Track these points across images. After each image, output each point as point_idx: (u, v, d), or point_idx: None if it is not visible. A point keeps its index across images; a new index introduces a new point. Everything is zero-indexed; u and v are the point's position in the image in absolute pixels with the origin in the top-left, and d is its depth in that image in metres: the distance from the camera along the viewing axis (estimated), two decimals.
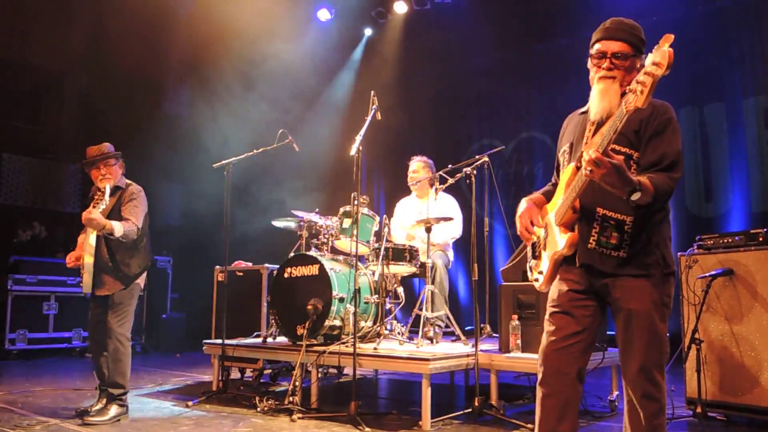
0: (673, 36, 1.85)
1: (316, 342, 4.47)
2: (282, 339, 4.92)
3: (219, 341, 4.89)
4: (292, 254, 4.91)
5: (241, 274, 5.75)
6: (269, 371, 5.54)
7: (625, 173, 1.94)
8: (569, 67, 7.25)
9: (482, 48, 8.47)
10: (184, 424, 3.79)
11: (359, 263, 4.51)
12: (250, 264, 5.88)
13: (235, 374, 5.64)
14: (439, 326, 4.89)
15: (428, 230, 4.71)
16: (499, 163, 8.34)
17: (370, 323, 4.66)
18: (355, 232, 4.45)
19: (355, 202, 4.48)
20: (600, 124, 2.19)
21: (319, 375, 4.31)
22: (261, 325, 5.48)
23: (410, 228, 5.40)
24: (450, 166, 4.81)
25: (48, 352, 7.59)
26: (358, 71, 9.54)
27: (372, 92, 4.29)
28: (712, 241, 3.90)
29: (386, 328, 4.66)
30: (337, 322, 4.46)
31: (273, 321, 4.90)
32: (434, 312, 4.63)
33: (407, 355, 3.89)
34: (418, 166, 5.59)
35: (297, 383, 4.16)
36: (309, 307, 4.40)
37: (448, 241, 5.46)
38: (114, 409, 3.85)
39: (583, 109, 2.36)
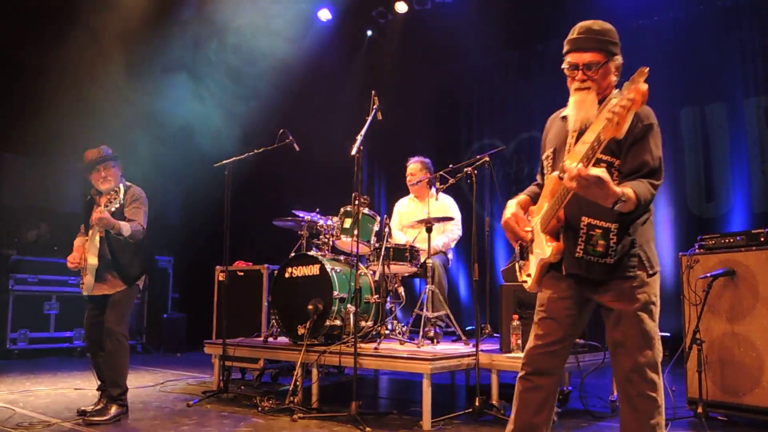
0: (648, 69, 1.84)
1: (316, 342, 4.47)
2: (283, 339, 4.92)
3: (220, 341, 4.89)
4: (292, 254, 4.91)
5: (242, 274, 5.75)
6: (270, 371, 5.55)
7: (609, 186, 1.95)
8: None
9: (483, 48, 8.46)
10: (184, 424, 3.80)
11: (360, 263, 4.51)
12: (250, 264, 5.88)
13: (235, 374, 5.64)
14: (440, 326, 4.89)
15: (429, 230, 4.71)
16: (500, 162, 8.34)
17: (370, 323, 4.66)
18: (355, 232, 4.45)
19: (356, 202, 4.47)
20: (581, 132, 2.21)
21: (320, 375, 4.31)
22: (262, 324, 5.48)
23: (409, 228, 5.39)
24: (451, 165, 4.81)
25: (49, 351, 7.60)
26: (359, 71, 9.53)
27: (373, 92, 4.29)
28: (713, 241, 3.90)
29: (387, 328, 4.66)
30: (338, 322, 4.46)
31: (274, 321, 4.90)
32: (435, 312, 4.63)
33: (408, 354, 3.89)
34: (414, 168, 5.59)
35: (298, 383, 4.17)
36: (310, 307, 4.40)
37: (450, 244, 5.45)
38: (114, 409, 3.85)
39: (564, 113, 2.37)
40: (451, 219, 5.18)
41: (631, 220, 2.16)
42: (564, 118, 2.36)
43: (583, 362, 3.95)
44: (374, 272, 4.76)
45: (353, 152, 3.99)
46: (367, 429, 3.51)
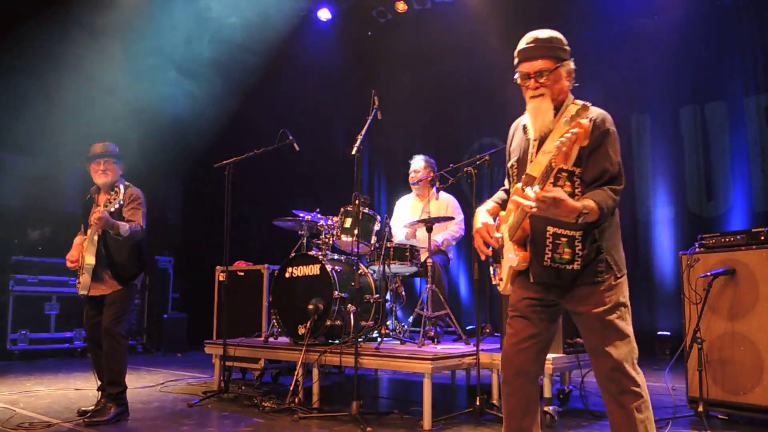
0: (588, 112, 1.97)
1: (317, 342, 4.47)
2: (283, 339, 4.92)
3: (220, 341, 4.89)
4: (293, 254, 4.91)
5: (243, 274, 5.75)
6: (271, 371, 5.55)
7: (567, 204, 2.02)
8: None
9: (483, 46, 8.46)
10: (185, 424, 3.80)
11: (360, 263, 4.51)
12: (251, 264, 5.88)
13: (236, 374, 5.64)
14: (441, 326, 4.89)
15: (429, 230, 4.71)
16: (500, 162, 8.31)
17: (371, 323, 4.66)
18: (356, 231, 4.45)
19: (356, 202, 4.47)
20: (542, 141, 2.28)
21: (321, 374, 4.31)
22: (262, 324, 5.48)
23: (410, 227, 5.39)
24: (451, 165, 4.81)
25: (49, 352, 7.60)
26: (359, 71, 9.53)
27: (373, 92, 4.29)
28: (713, 240, 3.90)
29: (387, 328, 4.66)
30: (339, 322, 4.46)
31: (274, 321, 4.90)
32: (435, 311, 4.63)
33: (409, 354, 3.89)
34: (419, 166, 5.58)
35: (299, 383, 4.17)
36: (310, 306, 4.41)
37: (450, 241, 5.44)
38: (114, 409, 3.86)
39: (524, 121, 2.42)
40: (451, 219, 5.18)
41: (595, 226, 2.21)
42: (525, 126, 2.42)
43: (583, 361, 3.95)
44: (374, 272, 4.76)
45: (353, 152, 4.00)
46: (368, 429, 3.51)
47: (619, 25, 7.31)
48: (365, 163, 9.80)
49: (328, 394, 4.89)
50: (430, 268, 4.60)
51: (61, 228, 8.44)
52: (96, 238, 3.94)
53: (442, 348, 4.24)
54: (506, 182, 2.61)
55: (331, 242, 4.90)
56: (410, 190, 5.77)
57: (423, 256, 4.83)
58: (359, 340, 4.04)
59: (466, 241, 5.62)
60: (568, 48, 2.31)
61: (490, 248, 2.43)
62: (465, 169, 4.31)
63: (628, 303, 2.27)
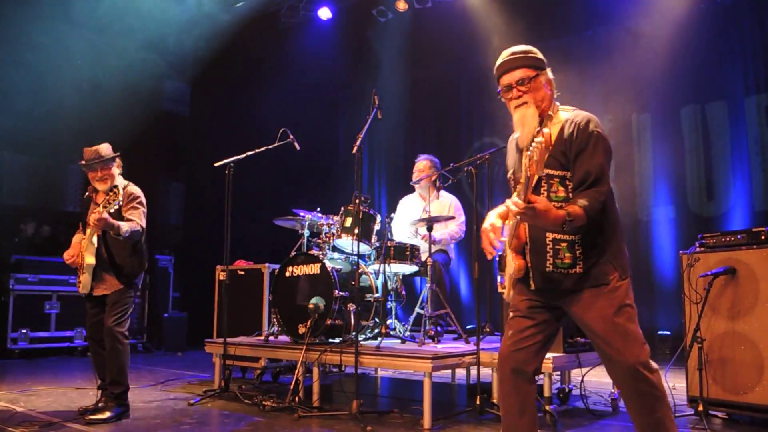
0: (546, 131, 2.00)
1: (317, 341, 4.47)
2: (284, 338, 4.92)
3: (221, 340, 4.90)
4: (293, 253, 4.91)
5: (243, 273, 5.76)
6: (271, 370, 5.55)
7: (550, 213, 2.07)
8: (570, 66, 7.24)
9: (483, 45, 8.46)
10: (185, 423, 3.80)
11: (361, 262, 4.51)
12: (251, 263, 5.88)
13: (236, 373, 5.65)
14: (441, 325, 4.89)
15: (429, 229, 4.71)
16: (501, 161, 8.32)
17: (371, 322, 4.66)
18: (356, 230, 4.45)
19: (357, 201, 4.47)
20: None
21: (321, 373, 4.31)
22: (263, 323, 5.49)
23: (411, 226, 5.39)
24: (452, 164, 4.81)
25: (50, 351, 7.60)
26: (359, 70, 9.53)
27: (373, 91, 4.29)
28: (714, 240, 3.90)
29: (387, 327, 4.66)
30: (339, 321, 4.46)
31: (275, 320, 4.90)
32: (435, 311, 4.63)
33: (409, 353, 3.89)
34: (424, 165, 5.58)
35: (299, 382, 4.17)
36: (310, 305, 4.41)
37: (449, 241, 5.45)
38: (115, 408, 3.85)
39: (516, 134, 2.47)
40: (451, 218, 5.18)
41: (596, 228, 2.24)
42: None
43: (583, 360, 3.95)
44: (375, 271, 4.76)
45: (354, 151, 3.99)
46: (369, 428, 3.51)
47: (619, 24, 7.30)
48: (366, 162, 9.80)
49: (329, 393, 4.90)
50: (430, 268, 4.60)
51: (61, 227, 8.45)
52: (95, 238, 3.93)
53: (442, 347, 4.24)
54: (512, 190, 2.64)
55: (331, 241, 4.90)
56: (411, 190, 5.77)
57: (424, 256, 4.83)
58: (360, 339, 4.03)
59: (466, 241, 5.62)
60: (544, 59, 2.40)
61: (498, 256, 2.47)
62: (465, 168, 4.31)
63: (634, 304, 2.28)
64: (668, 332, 6.89)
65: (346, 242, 4.85)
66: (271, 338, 4.94)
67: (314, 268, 4.62)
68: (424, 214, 4.82)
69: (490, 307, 5.45)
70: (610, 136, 2.36)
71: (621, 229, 2.34)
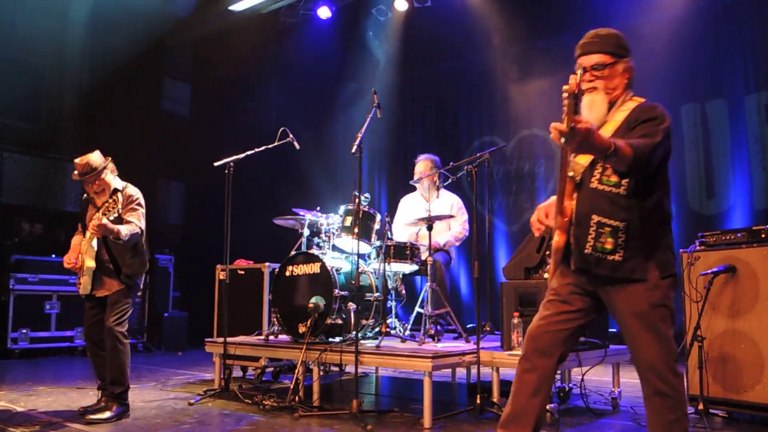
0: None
1: (317, 340, 4.47)
2: (284, 337, 4.92)
3: (221, 339, 4.89)
4: (293, 252, 4.91)
5: (243, 272, 5.75)
6: (271, 369, 5.55)
7: (595, 136, 2.00)
8: (571, 64, 7.22)
9: (483, 45, 8.46)
10: (186, 423, 3.80)
11: (361, 261, 4.50)
12: (251, 262, 5.88)
13: (236, 372, 5.65)
14: (441, 324, 4.89)
15: (430, 228, 4.71)
16: (501, 160, 8.33)
17: (371, 321, 4.66)
18: (356, 230, 4.45)
19: (357, 200, 4.47)
20: None
21: (321, 373, 4.31)
22: (263, 323, 5.49)
23: (412, 225, 5.39)
24: (451, 163, 4.81)
25: (50, 351, 7.60)
26: (359, 69, 9.53)
27: (373, 90, 4.28)
28: (714, 238, 3.90)
29: (388, 326, 4.66)
30: (339, 320, 4.46)
31: (275, 319, 4.90)
32: (436, 310, 4.63)
33: (409, 352, 3.89)
34: (424, 165, 5.57)
35: (299, 381, 4.17)
36: (310, 305, 4.41)
37: (453, 242, 5.44)
38: (115, 408, 3.85)
39: None
40: (451, 217, 5.17)
41: (644, 219, 2.21)
42: None
43: (584, 359, 3.95)
44: (375, 270, 4.76)
45: (353, 150, 3.99)
46: (369, 427, 3.51)
47: (619, 22, 7.28)
48: (365, 161, 9.80)
49: (329, 392, 4.90)
50: (430, 267, 4.60)
51: (61, 227, 8.45)
52: (95, 241, 3.91)
53: (442, 346, 4.24)
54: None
55: (331, 241, 4.90)
56: (411, 189, 5.77)
57: (424, 255, 4.82)
58: (360, 338, 4.03)
59: (467, 240, 5.61)
60: (627, 47, 2.38)
61: (539, 234, 2.46)
62: (465, 167, 4.31)
63: (672, 306, 2.26)
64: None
65: (346, 241, 4.85)
66: (271, 338, 4.94)
67: (314, 268, 4.61)
68: (425, 213, 4.82)
69: (490, 306, 5.44)
70: None
71: (670, 229, 2.33)
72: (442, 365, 3.86)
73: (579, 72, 1.98)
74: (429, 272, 4.60)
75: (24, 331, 7.38)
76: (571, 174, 2.28)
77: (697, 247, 3.94)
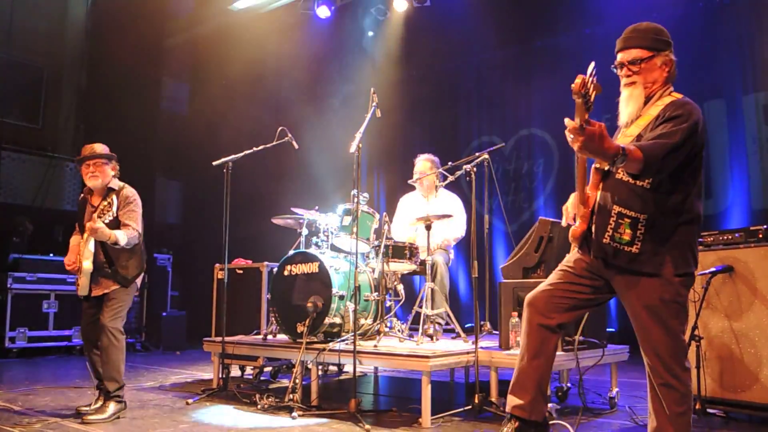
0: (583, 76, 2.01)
1: (316, 339, 4.47)
2: (282, 336, 4.92)
3: (219, 339, 4.89)
4: (291, 252, 4.91)
5: (241, 271, 5.75)
6: (269, 369, 5.55)
7: (605, 140, 2.03)
8: (570, 64, 7.23)
9: (482, 44, 8.46)
10: (183, 422, 3.80)
11: (359, 261, 4.51)
12: (250, 262, 5.88)
13: (235, 372, 5.65)
14: (439, 323, 4.89)
15: (428, 228, 4.71)
16: (499, 160, 8.33)
17: (370, 321, 4.67)
18: (355, 229, 4.45)
19: (356, 200, 4.47)
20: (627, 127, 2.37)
21: (319, 372, 4.31)
22: (261, 322, 5.48)
23: (411, 224, 5.39)
24: (450, 163, 4.81)
25: (48, 350, 7.60)
26: (358, 68, 9.52)
27: (372, 89, 4.28)
28: (711, 238, 3.90)
29: (386, 326, 4.66)
30: (337, 320, 4.46)
31: (273, 318, 4.90)
32: (434, 309, 4.63)
33: (407, 352, 3.89)
34: (424, 166, 5.56)
35: (297, 380, 4.17)
36: (309, 304, 4.41)
37: (450, 242, 5.44)
38: (112, 406, 3.84)
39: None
40: (449, 216, 5.17)
41: (666, 214, 2.21)
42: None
43: (581, 359, 3.94)
44: (373, 270, 4.76)
45: (352, 150, 3.99)
46: (367, 426, 3.51)
47: (616, 23, 7.26)
48: (364, 160, 9.80)
49: (327, 391, 4.90)
50: (429, 266, 4.60)
51: (60, 226, 8.45)
52: (92, 243, 3.90)
53: (440, 346, 4.24)
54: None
55: (329, 240, 4.90)
56: (410, 188, 5.76)
57: (423, 255, 4.82)
58: (358, 337, 4.03)
59: (466, 240, 5.61)
60: (668, 40, 2.36)
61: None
62: (464, 167, 4.31)
63: (686, 303, 2.27)
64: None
65: (345, 241, 4.85)
66: (270, 337, 4.94)
67: (312, 267, 4.61)
68: (425, 213, 4.82)
69: (488, 306, 5.44)
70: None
71: (697, 229, 2.31)
72: (440, 365, 3.86)
73: (589, 71, 1.99)
74: (428, 272, 4.60)
75: (22, 330, 7.37)
76: (597, 165, 2.31)
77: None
